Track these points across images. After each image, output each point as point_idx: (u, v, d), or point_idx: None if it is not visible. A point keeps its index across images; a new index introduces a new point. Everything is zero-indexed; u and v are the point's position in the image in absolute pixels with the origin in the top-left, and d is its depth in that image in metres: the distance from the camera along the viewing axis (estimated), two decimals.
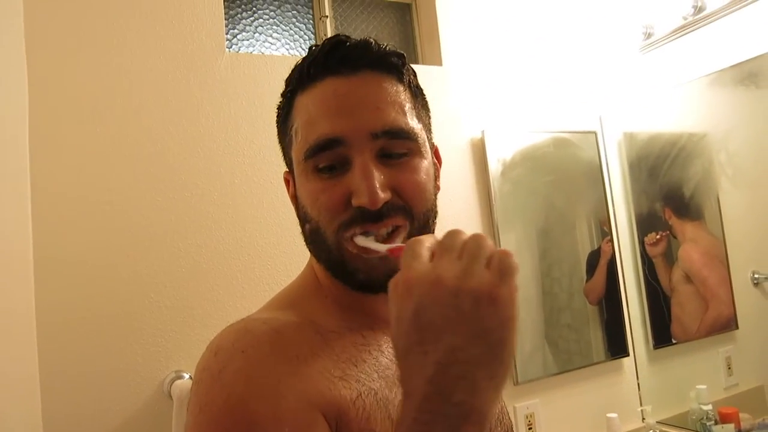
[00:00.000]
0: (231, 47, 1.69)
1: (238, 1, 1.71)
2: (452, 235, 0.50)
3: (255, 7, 1.74)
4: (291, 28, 1.79)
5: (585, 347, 1.99)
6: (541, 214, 1.96)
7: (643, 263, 2.07)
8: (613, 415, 1.77)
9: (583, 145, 2.07)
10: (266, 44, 1.75)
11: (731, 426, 1.79)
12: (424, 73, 1.77)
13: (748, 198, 1.81)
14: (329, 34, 1.81)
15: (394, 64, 0.69)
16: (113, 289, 1.34)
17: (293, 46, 1.79)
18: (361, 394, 0.61)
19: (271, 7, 1.77)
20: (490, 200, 1.85)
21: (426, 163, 0.69)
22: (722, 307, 1.89)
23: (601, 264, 2.05)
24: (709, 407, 1.83)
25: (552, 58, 2.06)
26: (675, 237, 2.00)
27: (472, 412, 0.45)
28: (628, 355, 2.03)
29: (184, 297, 1.40)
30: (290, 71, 0.71)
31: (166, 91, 1.45)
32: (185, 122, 1.46)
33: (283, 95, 0.73)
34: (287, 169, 0.75)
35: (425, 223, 0.68)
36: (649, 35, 1.92)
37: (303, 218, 0.70)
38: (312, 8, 1.83)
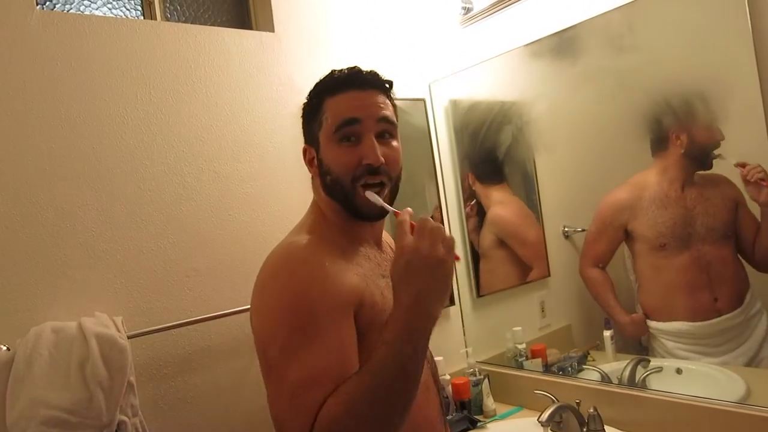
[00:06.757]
0: (45, 4, 1.59)
1: None
2: (424, 222, 0.92)
3: None
4: None
5: None
6: None
7: (468, 224, 2.27)
8: (439, 358, 1.93)
9: (413, 112, 2.18)
10: (85, 2, 1.66)
11: (539, 360, 2.05)
12: (256, 40, 1.81)
13: (553, 160, 2.04)
14: None
15: (387, 87, 1.12)
16: None
17: (115, 6, 1.71)
18: (368, 285, 1.03)
19: None
20: None
21: (399, 145, 1.11)
22: (541, 262, 2.12)
23: None
24: (523, 346, 2.08)
25: (384, 28, 2.14)
26: (480, 202, 2.22)
27: (430, 315, 0.91)
28: (454, 304, 2.23)
29: None
30: (320, 82, 1.13)
31: None
32: None
33: (311, 96, 1.13)
34: (306, 145, 1.15)
35: (397, 183, 1.11)
36: (468, 10, 2.07)
37: (326, 173, 1.08)
38: None
